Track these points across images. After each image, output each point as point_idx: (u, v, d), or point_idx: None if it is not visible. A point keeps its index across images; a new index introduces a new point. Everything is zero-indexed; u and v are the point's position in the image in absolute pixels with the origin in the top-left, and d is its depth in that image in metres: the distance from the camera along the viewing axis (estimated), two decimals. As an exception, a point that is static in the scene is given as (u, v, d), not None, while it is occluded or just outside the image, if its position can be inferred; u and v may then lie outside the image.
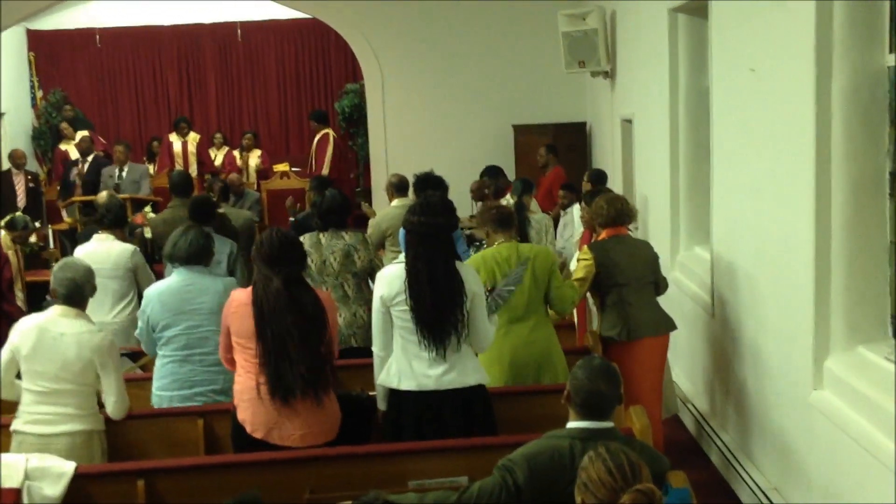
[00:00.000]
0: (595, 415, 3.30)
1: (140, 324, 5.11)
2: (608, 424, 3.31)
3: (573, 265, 6.31)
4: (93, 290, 4.57)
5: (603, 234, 5.71)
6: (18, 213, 9.60)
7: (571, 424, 3.34)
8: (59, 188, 12.92)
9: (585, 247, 5.74)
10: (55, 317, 4.45)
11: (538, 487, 3.22)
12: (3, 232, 8.55)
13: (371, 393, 4.62)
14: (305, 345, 4.09)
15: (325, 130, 13.11)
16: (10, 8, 12.07)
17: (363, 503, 2.69)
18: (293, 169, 14.23)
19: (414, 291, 4.24)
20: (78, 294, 4.49)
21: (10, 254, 8.28)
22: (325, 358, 4.17)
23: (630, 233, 5.98)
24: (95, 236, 6.60)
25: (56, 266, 4.55)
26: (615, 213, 5.68)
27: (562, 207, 9.02)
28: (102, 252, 6.45)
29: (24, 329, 4.45)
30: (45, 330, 4.40)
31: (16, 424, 4.43)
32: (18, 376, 4.51)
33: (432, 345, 4.24)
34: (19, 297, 8.45)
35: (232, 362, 4.35)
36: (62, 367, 4.36)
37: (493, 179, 8.49)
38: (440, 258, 4.26)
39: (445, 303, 4.23)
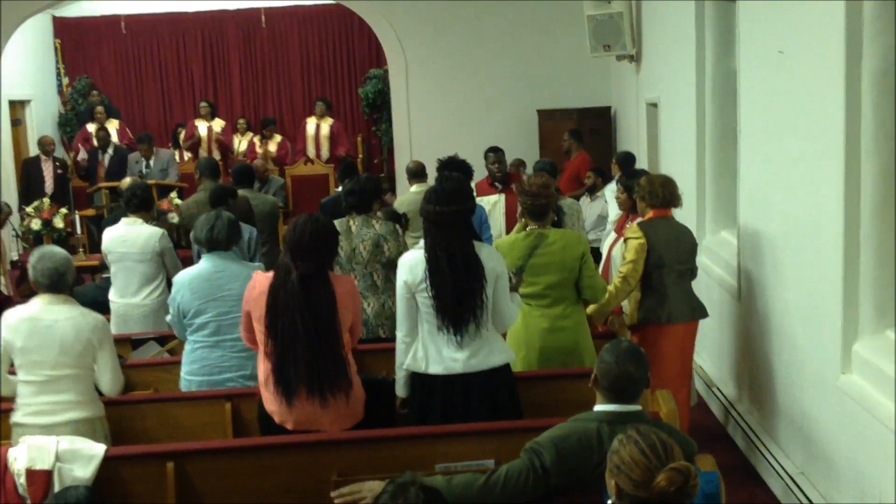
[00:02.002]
0: (623, 398, 3.29)
1: (171, 310, 5.13)
2: (636, 408, 3.31)
3: (616, 248, 6.24)
4: (73, 276, 4.56)
5: (650, 214, 5.62)
6: None
7: (598, 408, 3.34)
8: (77, 161, 13.17)
9: (635, 225, 5.63)
10: (44, 306, 4.43)
11: (565, 470, 3.22)
12: None
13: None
14: (311, 345, 4.07)
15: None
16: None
17: (398, 485, 2.70)
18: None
19: (434, 278, 4.23)
20: (62, 282, 4.47)
21: None
22: (337, 356, 4.14)
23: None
24: (123, 220, 6.64)
25: (33, 258, 4.50)
26: (669, 195, 5.61)
27: (589, 190, 8.97)
28: (131, 235, 6.50)
29: (13, 322, 4.42)
30: (38, 319, 4.39)
31: (15, 417, 4.43)
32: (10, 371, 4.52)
33: (452, 330, 4.24)
34: (0, 282, 8.53)
35: (254, 341, 4.36)
36: (61, 353, 4.37)
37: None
38: (458, 244, 4.24)
39: (466, 289, 4.22)
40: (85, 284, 8.29)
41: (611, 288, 5.43)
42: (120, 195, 6.89)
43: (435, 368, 4.30)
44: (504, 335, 4.80)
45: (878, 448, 4.05)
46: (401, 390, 4.44)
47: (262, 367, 4.24)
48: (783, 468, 5.22)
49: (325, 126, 14.07)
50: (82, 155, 13.20)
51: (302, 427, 4.18)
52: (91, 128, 13.52)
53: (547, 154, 11.16)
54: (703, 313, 5.73)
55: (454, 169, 6.85)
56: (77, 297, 7.69)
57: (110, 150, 12.37)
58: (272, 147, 13.92)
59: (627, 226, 6.26)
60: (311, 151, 13.92)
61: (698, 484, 2.55)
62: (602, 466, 3.04)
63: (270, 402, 4.21)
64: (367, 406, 4.38)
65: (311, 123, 14.15)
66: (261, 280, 4.24)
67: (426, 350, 4.32)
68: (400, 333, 4.40)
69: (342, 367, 4.16)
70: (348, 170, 8.60)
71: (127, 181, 8.55)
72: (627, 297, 5.58)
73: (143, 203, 6.67)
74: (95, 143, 12.79)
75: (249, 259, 6.50)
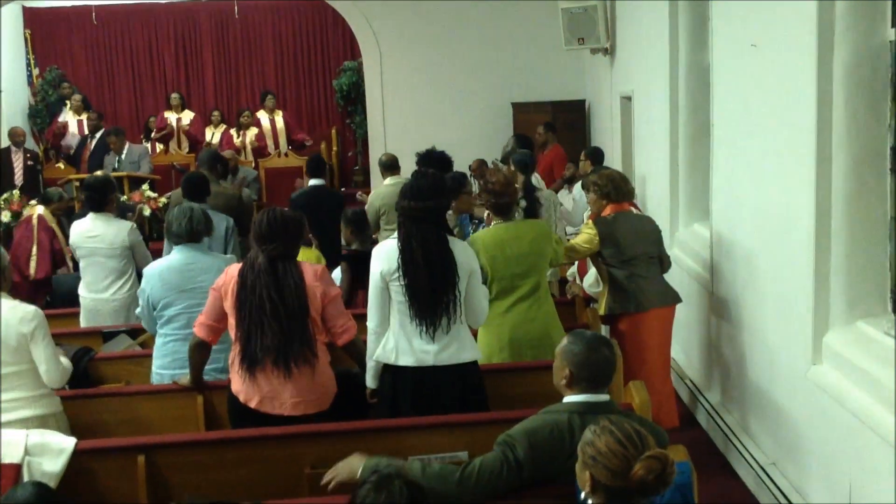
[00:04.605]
0: (598, 385, 3.31)
1: (141, 302, 5.09)
2: (605, 397, 3.32)
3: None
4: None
5: (608, 210, 5.74)
6: (51, 188, 9.62)
7: (568, 399, 3.34)
8: (61, 145, 13.19)
9: (590, 221, 5.81)
10: None
11: (539, 462, 3.23)
12: (41, 207, 8.60)
13: None
14: (278, 319, 4.13)
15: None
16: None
17: (382, 477, 2.69)
18: (289, 146, 14.21)
19: (409, 271, 4.23)
20: None
21: (55, 227, 8.37)
22: (304, 332, 4.19)
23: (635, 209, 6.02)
24: (91, 214, 6.54)
25: None
26: (613, 189, 5.74)
27: (567, 181, 9.04)
28: (99, 230, 6.41)
29: None
30: None
31: None
32: None
33: (424, 323, 4.25)
34: (71, 268, 8.51)
35: (205, 328, 4.38)
36: None
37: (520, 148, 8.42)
38: (433, 238, 4.26)
39: (440, 283, 4.24)
40: (62, 274, 8.23)
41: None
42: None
43: (406, 360, 4.30)
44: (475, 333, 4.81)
45: (848, 438, 4.08)
46: (371, 381, 4.44)
47: (233, 351, 4.29)
48: (754, 458, 5.26)
49: (279, 119, 13.98)
50: (68, 141, 13.05)
51: (265, 405, 4.22)
52: (66, 118, 13.38)
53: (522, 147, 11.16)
54: (676, 298, 5.84)
55: (433, 161, 6.83)
56: (56, 285, 7.65)
57: (98, 134, 12.28)
58: (249, 139, 13.74)
59: None
60: (270, 146, 13.82)
61: (675, 471, 2.57)
62: (574, 458, 3.06)
63: (237, 381, 4.26)
64: (339, 398, 4.39)
65: (264, 118, 13.97)
66: (234, 268, 4.32)
67: (397, 342, 4.32)
68: (371, 324, 4.39)
69: (309, 343, 4.20)
70: (317, 163, 8.52)
71: (99, 174, 8.46)
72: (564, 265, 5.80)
73: (100, 202, 6.49)
74: (86, 129, 12.74)
75: (224, 250, 6.45)
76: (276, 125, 13.92)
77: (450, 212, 6.31)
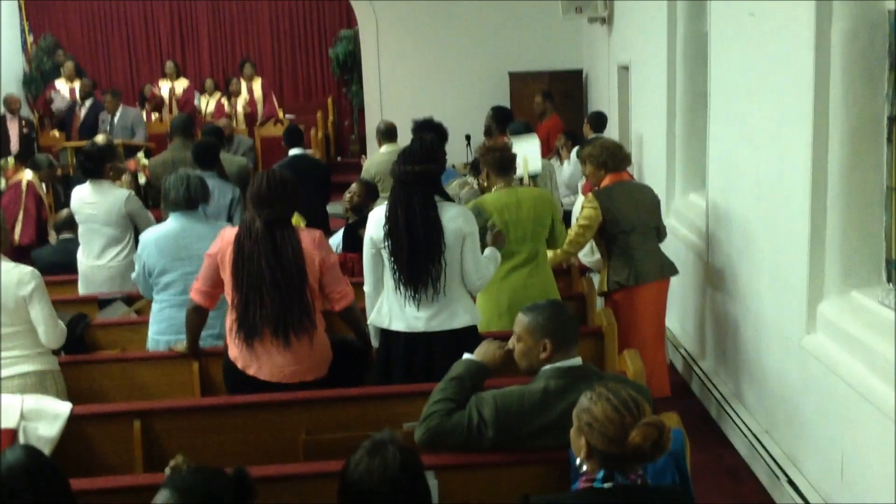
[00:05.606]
0: (570, 345, 3.34)
1: (137, 268, 5.09)
2: (578, 361, 3.35)
3: (576, 210, 6.31)
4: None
5: (606, 181, 5.70)
6: (40, 154, 9.57)
7: (545, 368, 3.36)
8: (52, 111, 13.20)
9: (590, 194, 5.73)
10: None
11: (504, 426, 3.25)
12: (30, 172, 8.52)
13: None
14: (277, 287, 4.11)
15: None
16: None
17: (375, 443, 2.71)
18: (287, 115, 14.14)
19: (393, 238, 4.27)
20: None
21: (42, 194, 8.34)
22: (302, 300, 4.17)
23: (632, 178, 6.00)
24: (90, 181, 6.50)
25: None
26: (609, 157, 5.69)
27: (559, 153, 8.99)
28: (97, 198, 6.38)
29: None
30: None
31: None
32: None
33: (409, 290, 4.27)
34: (53, 237, 8.48)
35: (202, 293, 4.38)
36: None
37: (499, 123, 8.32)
38: (420, 206, 4.26)
39: (422, 253, 4.24)
40: (42, 247, 8.19)
41: (558, 250, 5.50)
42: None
43: (398, 325, 4.34)
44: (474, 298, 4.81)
45: (841, 407, 4.11)
46: (374, 340, 4.52)
47: (229, 318, 4.27)
48: (747, 426, 5.29)
49: (257, 87, 13.84)
50: (59, 104, 13.01)
51: (264, 372, 4.22)
52: (59, 85, 13.32)
53: (518, 116, 11.11)
54: (672, 271, 5.81)
55: (427, 131, 6.79)
56: (36, 259, 7.61)
57: (88, 102, 12.21)
58: (240, 106, 13.64)
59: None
60: (260, 112, 13.75)
61: (671, 438, 2.58)
62: (553, 423, 3.09)
63: (234, 347, 4.25)
64: (334, 365, 4.40)
65: (242, 87, 13.81)
66: (229, 233, 4.28)
67: (390, 306, 4.36)
68: (367, 288, 4.46)
69: (308, 312, 4.19)
70: (293, 133, 8.41)
71: (100, 138, 8.38)
72: (573, 256, 5.76)
73: (95, 169, 6.40)
74: (77, 94, 12.67)
75: (229, 219, 6.43)
76: (254, 93, 13.79)
77: (475, 185, 6.27)
